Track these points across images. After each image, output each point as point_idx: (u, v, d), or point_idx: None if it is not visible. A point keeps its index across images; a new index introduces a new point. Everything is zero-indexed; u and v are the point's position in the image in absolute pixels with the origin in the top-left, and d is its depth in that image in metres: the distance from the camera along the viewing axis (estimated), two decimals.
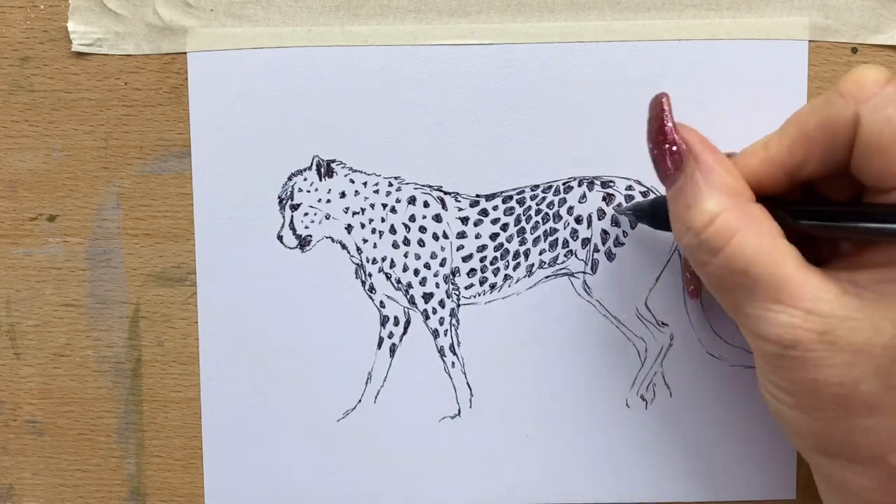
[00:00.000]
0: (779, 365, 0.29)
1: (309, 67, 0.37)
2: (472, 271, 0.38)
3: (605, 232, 0.37)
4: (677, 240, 0.31)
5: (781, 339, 0.28)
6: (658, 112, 0.31)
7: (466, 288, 0.38)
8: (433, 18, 0.37)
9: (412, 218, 0.38)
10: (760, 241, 0.28)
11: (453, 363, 0.38)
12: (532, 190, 0.37)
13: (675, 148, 0.30)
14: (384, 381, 0.38)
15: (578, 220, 0.38)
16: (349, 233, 0.38)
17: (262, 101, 0.37)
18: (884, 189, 0.28)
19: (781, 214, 0.30)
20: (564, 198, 0.37)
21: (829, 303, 0.28)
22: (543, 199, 0.37)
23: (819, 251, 0.32)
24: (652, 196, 0.37)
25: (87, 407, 0.39)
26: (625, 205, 0.37)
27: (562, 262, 0.38)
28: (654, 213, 0.34)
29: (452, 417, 0.38)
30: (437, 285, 0.38)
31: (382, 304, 0.38)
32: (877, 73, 0.28)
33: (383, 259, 0.38)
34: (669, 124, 0.31)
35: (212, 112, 0.37)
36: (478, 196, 0.38)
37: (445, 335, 0.38)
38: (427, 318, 0.38)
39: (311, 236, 0.38)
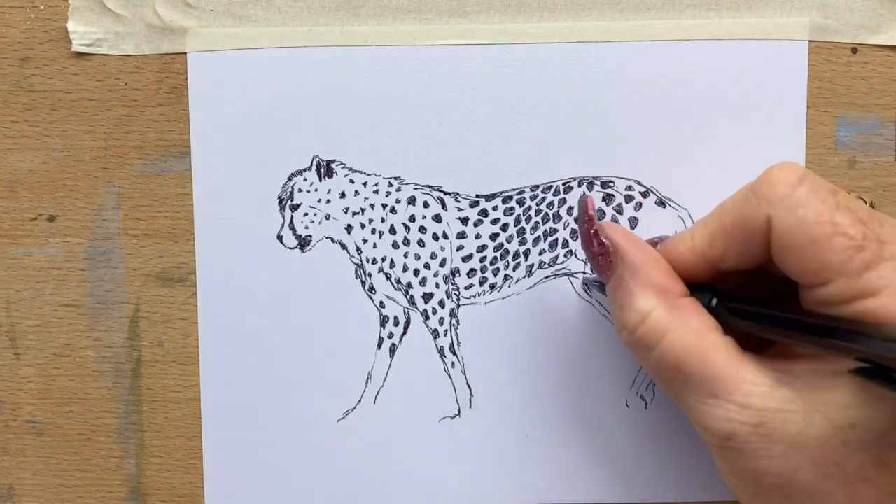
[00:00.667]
0: (722, 455, 0.29)
1: (309, 67, 0.37)
2: (471, 271, 0.38)
3: None
4: (617, 334, 0.32)
5: (719, 432, 0.29)
6: (583, 212, 0.32)
7: (466, 288, 0.38)
8: (433, 18, 0.37)
9: (412, 218, 0.38)
10: (690, 339, 0.29)
11: (453, 363, 0.38)
12: (532, 190, 0.37)
13: (602, 250, 0.31)
14: (384, 381, 0.38)
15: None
16: (349, 233, 0.38)
17: (262, 101, 0.37)
18: (806, 285, 0.29)
19: (719, 310, 0.30)
20: (564, 198, 0.37)
21: (762, 396, 0.28)
22: (543, 199, 0.37)
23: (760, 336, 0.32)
24: (657, 199, 0.37)
25: (87, 407, 0.39)
26: (592, 277, 0.37)
27: (562, 263, 0.38)
28: (600, 284, 0.35)
29: (452, 417, 0.38)
30: (437, 285, 0.38)
31: (382, 305, 0.38)
32: (789, 172, 0.28)
33: (383, 259, 0.38)
34: (594, 229, 0.32)
35: (212, 112, 0.37)
36: (478, 196, 0.38)
37: (445, 335, 0.38)
38: (427, 318, 0.38)
39: (311, 236, 0.38)
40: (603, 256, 0.31)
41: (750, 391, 0.28)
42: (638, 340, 0.30)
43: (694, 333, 0.29)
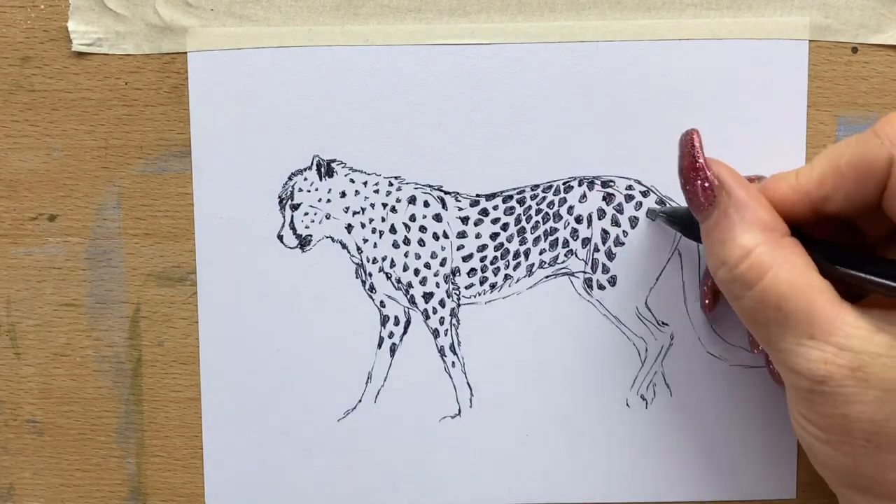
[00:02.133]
0: (810, 399, 0.29)
1: (309, 67, 0.37)
2: (472, 271, 0.38)
3: (605, 232, 0.37)
4: (712, 273, 0.31)
5: (813, 374, 0.28)
6: (689, 148, 0.31)
7: (467, 287, 0.38)
8: (433, 18, 0.37)
9: (412, 217, 0.38)
10: (794, 277, 0.29)
11: (453, 363, 0.38)
12: (532, 190, 0.37)
13: (707, 184, 0.31)
14: (384, 381, 0.38)
15: (578, 220, 0.38)
16: (349, 232, 0.38)
17: (262, 101, 0.37)
18: None
19: (816, 256, 0.30)
20: (564, 197, 0.37)
21: (861, 339, 0.28)
22: (543, 198, 0.37)
23: (851, 285, 0.32)
24: (657, 199, 0.37)
25: (87, 407, 0.39)
26: (658, 208, 0.37)
27: (562, 262, 0.38)
28: (687, 222, 0.34)
29: (452, 417, 0.38)
30: (438, 285, 0.38)
31: (382, 304, 0.38)
32: None
33: (383, 259, 0.38)
34: (701, 160, 0.31)
35: (212, 112, 0.37)
36: (478, 196, 0.38)
37: (446, 335, 0.38)
38: (427, 317, 0.38)
39: (311, 236, 0.38)
40: (707, 191, 0.30)
41: (850, 333, 0.28)
42: (738, 277, 0.29)
43: (798, 271, 0.29)
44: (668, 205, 0.37)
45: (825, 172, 0.30)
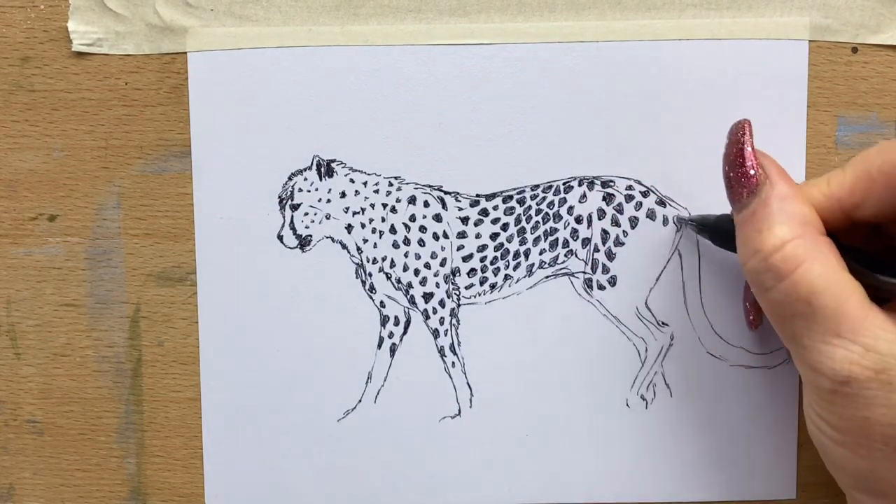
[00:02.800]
0: (831, 400, 0.29)
1: (309, 67, 0.37)
2: (472, 271, 0.38)
3: (605, 232, 0.37)
4: (742, 263, 0.31)
5: (837, 374, 0.28)
6: (739, 136, 0.31)
7: (467, 288, 0.38)
8: (433, 18, 0.37)
9: (412, 218, 0.38)
10: (827, 273, 0.28)
11: (453, 363, 0.38)
12: (532, 190, 0.37)
13: (752, 172, 0.31)
14: (384, 381, 0.38)
15: (578, 220, 0.38)
16: (349, 233, 0.38)
17: (262, 101, 0.37)
18: None
19: (848, 259, 0.30)
20: (564, 198, 0.37)
21: (888, 342, 0.28)
22: (543, 198, 0.37)
23: (879, 290, 0.32)
24: (657, 199, 0.37)
25: (87, 407, 0.39)
26: (688, 215, 0.37)
27: (562, 262, 0.38)
28: (717, 229, 0.34)
29: (452, 417, 0.38)
30: (438, 285, 0.38)
31: (382, 304, 0.38)
32: None
33: (383, 259, 0.38)
34: (749, 149, 0.31)
35: (212, 112, 0.37)
36: (478, 196, 0.38)
37: (445, 335, 0.38)
38: (427, 317, 0.38)
39: (311, 236, 0.38)
40: (750, 179, 0.30)
41: (878, 335, 0.28)
42: (771, 266, 0.29)
43: (831, 268, 0.29)
44: (665, 208, 0.37)
45: (857, 178, 0.30)
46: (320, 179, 0.38)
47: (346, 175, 0.38)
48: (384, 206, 0.38)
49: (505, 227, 0.38)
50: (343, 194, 0.38)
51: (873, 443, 0.28)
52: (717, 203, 0.37)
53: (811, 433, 0.31)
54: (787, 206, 0.30)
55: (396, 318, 0.38)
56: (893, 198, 0.29)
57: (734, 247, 0.32)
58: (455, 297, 0.38)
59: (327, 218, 0.38)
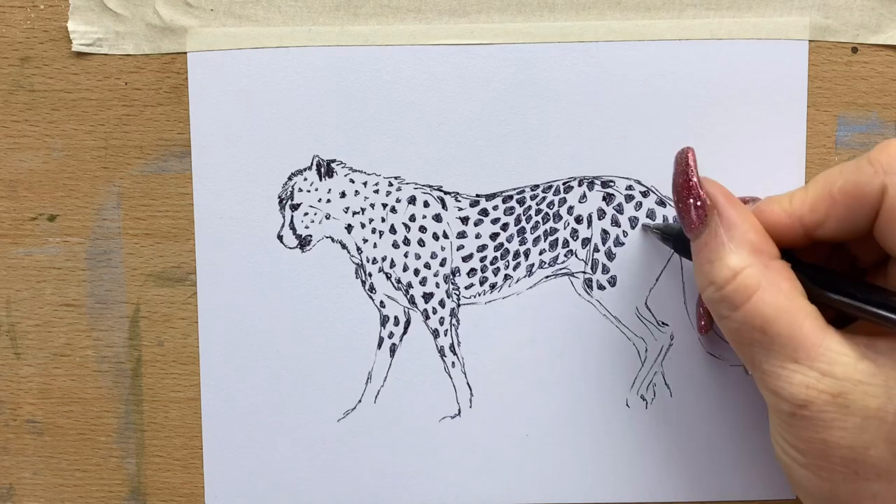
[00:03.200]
0: (791, 423, 0.29)
1: (309, 67, 0.37)
2: (472, 271, 0.38)
3: (605, 232, 0.37)
4: (700, 290, 0.31)
5: (795, 398, 0.28)
6: (683, 166, 0.31)
7: (466, 288, 0.38)
8: (433, 18, 0.37)
9: (412, 218, 0.38)
10: (780, 300, 0.29)
11: (453, 363, 0.38)
12: (532, 190, 0.37)
13: (699, 202, 0.31)
14: (384, 381, 0.38)
15: (578, 220, 0.38)
16: (349, 233, 0.38)
17: (262, 101, 0.37)
18: None
19: (806, 281, 0.30)
20: (564, 198, 0.37)
21: (844, 366, 0.28)
22: (543, 198, 0.37)
23: (840, 310, 0.32)
24: (657, 199, 0.37)
25: (87, 407, 0.39)
26: (654, 221, 0.37)
27: (562, 262, 0.38)
28: (679, 240, 0.34)
29: (452, 417, 0.38)
30: (438, 285, 0.38)
31: (382, 304, 0.38)
32: None
33: (383, 259, 0.38)
34: (694, 179, 0.31)
35: (212, 112, 0.37)
36: (478, 196, 0.38)
37: (445, 335, 0.38)
38: (427, 317, 0.38)
39: (311, 236, 0.38)
40: (699, 210, 0.31)
41: (833, 359, 0.28)
42: (725, 297, 0.30)
43: (784, 295, 0.29)
44: (665, 208, 0.37)
45: (818, 198, 0.30)
46: (320, 179, 0.38)
47: (346, 175, 0.38)
48: (384, 206, 0.38)
49: (505, 227, 0.38)
50: (343, 194, 0.38)
51: (833, 465, 0.28)
52: None
53: (777, 455, 0.31)
54: (736, 234, 0.30)
55: (396, 318, 0.38)
56: (853, 218, 0.30)
57: None
58: (455, 297, 0.38)
59: (327, 218, 0.38)
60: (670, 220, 0.37)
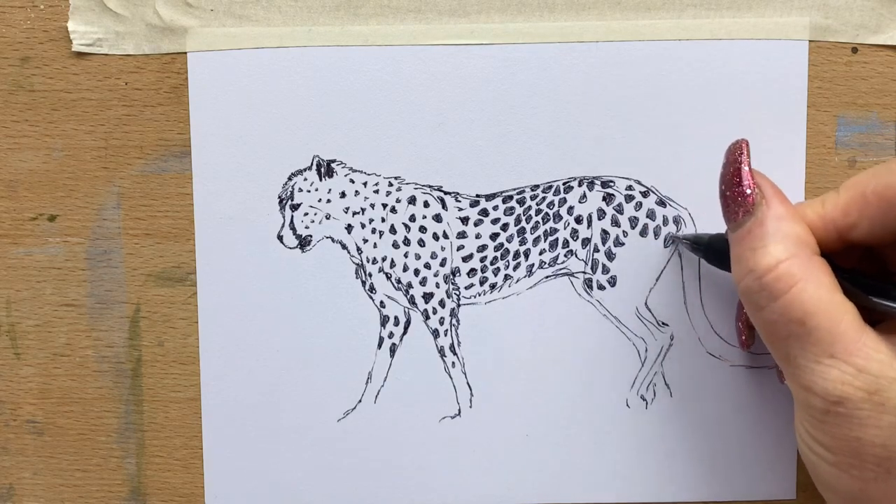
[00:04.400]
0: (823, 420, 0.29)
1: (309, 67, 0.37)
2: (472, 271, 0.38)
3: (605, 232, 0.37)
4: (736, 282, 0.31)
5: (829, 394, 0.28)
6: (737, 156, 0.31)
7: (466, 288, 0.38)
8: (433, 18, 0.37)
9: (412, 218, 0.38)
10: (821, 293, 0.29)
11: (453, 363, 0.38)
12: (532, 190, 0.37)
13: (749, 191, 0.31)
14: (384, 381, 0.38)
15: (578, 220, 0.38)
16: (349, 233, 0.38)
17: (262, 101, 0.37)
18: None
19: (842, 280, 0.30)
20: (564, 198, 0.37)
21: (881, 363, 0.28)
22: (543, 199, 0.37)
23: (873, 311, 0.32)
24: (657, 199, 0.37)
25: (87, 407, 0.39)
26: (682, 232, 0.37)
27: (562, 262, 0.38)
28: (710, 248, 0.34)
29: (452, 417, 0.38)
30: (438, 285, 0.38)
31: (382, 304, 0.38)
32: None
33: (383, 259, 0.38)
34: (746, 168, 0.31)
35: (212, 112, 0.37)
36: (478, 196, 0.38)
37: (445, 335, 0.38)
38: (427, 318, 0.38)
39: (311, 236, 0.38)
40: (748, 198, 0.31)
41: (870, 356, 0.28)
42: (765, 286, 0.29)
43: (825, 289, 0.29)
44: (665, 208, 0.37)
45: (851, 200, 0.30)
46: (320, 179, 0.38)
47: (346, 175, 0.38)
48: (384, 206, 0.38)
49: (505, 227, 0.38)
50: (343, 194, 0.38)
51: (865, 463, 0.28)
52: (716, 203, 0.37)
53: (802, 453, 0.31)
54: (782, 225, 0.30)
55: (396, 318, 0.38)
56: (886, 220, 0.30)
57: (727, 266, 0.32)
58: (455, 298, 0.38)
59: (327, 218, 0.38)
60: (670, 221, 0.37)
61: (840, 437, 0.28)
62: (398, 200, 0.38)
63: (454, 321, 0.38)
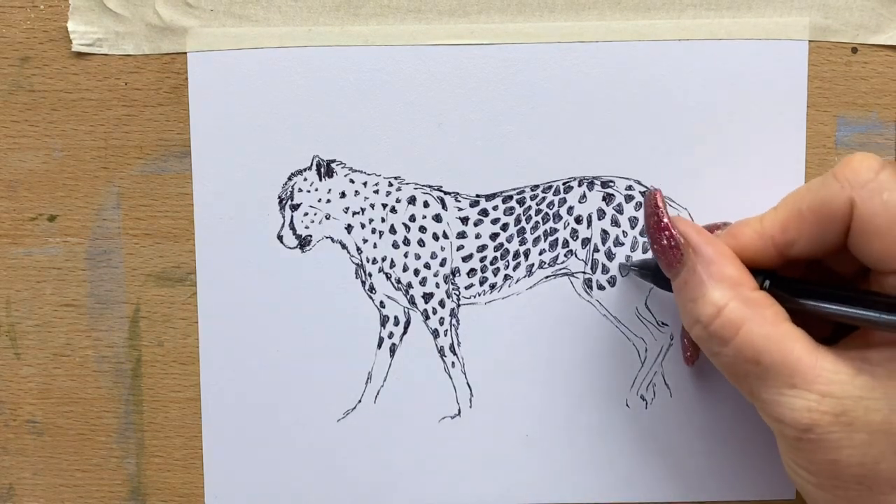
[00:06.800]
0: (799, 447, 0.29)
1: (309, 67, 0.37)
2: (472, 271, 0.38)
3: (605, 232, 0.37)
4: (687, 329, 0.31)
5: (798, 423, 0.28)
6: (653, 208, 0.32)
7: (466, 288, 0.38)
8: (433, 18, 0.37)
9: (412, 218, 0.38)
10: (768, 329, 0.29)
11: (453, 363, 0.38)
12: (532, 190, 0.37)
13: (673, 242, 0.31)
14: (384, 381, 0.38)
15: (578, 220, 0.38)
16: (349, 233, 0.38)
17: (262, 101, 0.37)
18: (884, 271, 0.29)
19: (787, 295, 0.30)
20: (564, 198, 0.37)
21: (842, 384, 0.28)
22: (543, 199, 0.37)
23: (827, 328, 0.32)
24: (640, 258, 0.37)
25: (87, 407, 0.39)
26: (629, 262, 0.37)
27: (562, 262, 0.38)
28: (660, 274, 0.34)
29: (452, 417, 0.38)
30: (437, 285, 0.38)
31: (382, 304, 0.38)
32: (871, 160, 0.29)
33: (383, 259, 0.38)
34: (665, 220, 0.31)
35: (212, 112, 0.37)
36: (478, 196, 0.38)
37: (445, 335, 0.38)
38: (427, 318, 0.38)
39: (311, 236, 0.38)
40: (673, 250, 0.31)
41: (830, 379, 0.28)
42: (713, 334, 0.30)
43: (770, 323, 0.29)
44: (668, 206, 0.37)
45: (788, 217, 0.30)
46: (320, 179, 0.38)
47: (345, 175, 0.38)
48: (384, 206, 0.38)
49: (505, 227, 0.38)
50: (343, 194, 0.38)
51: (847, 483, 0.28)
52: (716, 203, 0.37)
53: (792, 479, 0.31)
54: (714, 270, 0.30)
55: (396, 318, 0.38)
56: (824, 235, 0.30)
57: None
58: (455, 298, 0.38)
59: (327, 218, 0.38)
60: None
61: (817, 461, 0.29)
62: (398, 200, 0.38)
63: (454, 321, 0.38)
